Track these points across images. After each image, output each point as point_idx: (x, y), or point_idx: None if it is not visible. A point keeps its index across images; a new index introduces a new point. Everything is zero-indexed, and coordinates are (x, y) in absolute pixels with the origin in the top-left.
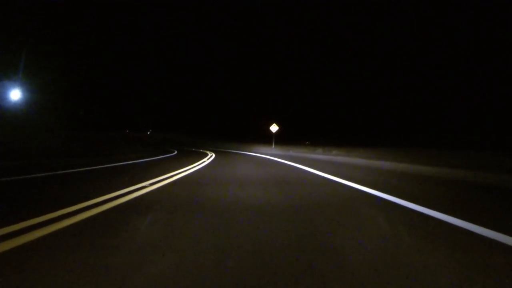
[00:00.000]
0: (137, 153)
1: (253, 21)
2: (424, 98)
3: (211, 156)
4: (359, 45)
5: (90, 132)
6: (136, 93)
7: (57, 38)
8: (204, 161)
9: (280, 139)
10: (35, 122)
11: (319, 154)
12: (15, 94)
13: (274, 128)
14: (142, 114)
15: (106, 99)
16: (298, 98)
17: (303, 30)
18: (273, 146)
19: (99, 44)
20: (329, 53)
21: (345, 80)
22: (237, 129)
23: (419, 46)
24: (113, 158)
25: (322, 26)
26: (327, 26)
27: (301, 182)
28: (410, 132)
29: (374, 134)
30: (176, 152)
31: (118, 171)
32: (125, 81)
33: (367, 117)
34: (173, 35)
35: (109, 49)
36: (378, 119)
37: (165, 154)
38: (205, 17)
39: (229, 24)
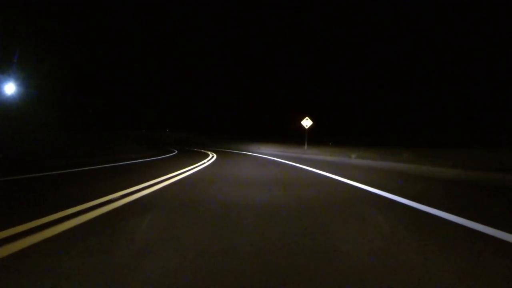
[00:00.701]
0: (139, 153)
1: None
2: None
3: (209, 160)
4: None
5: (100, 131)
6: (154, 93)
7: (65, 34)
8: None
9: (310, 139)
10: (31, 118)
11: (417, 165)
12: (9, 88)
13: (307, 122)
14: (159, 114)
15: (120, 98)
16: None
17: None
18: (306, 148)
19: (116, 43)
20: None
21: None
22: (258, 128)
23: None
24: (106, 159)
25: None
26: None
27: None
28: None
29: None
30: (176, 152)
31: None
32: (143, 81)
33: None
34: (189, 34)
35: (129, 49)
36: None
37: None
38: (210, 15)
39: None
